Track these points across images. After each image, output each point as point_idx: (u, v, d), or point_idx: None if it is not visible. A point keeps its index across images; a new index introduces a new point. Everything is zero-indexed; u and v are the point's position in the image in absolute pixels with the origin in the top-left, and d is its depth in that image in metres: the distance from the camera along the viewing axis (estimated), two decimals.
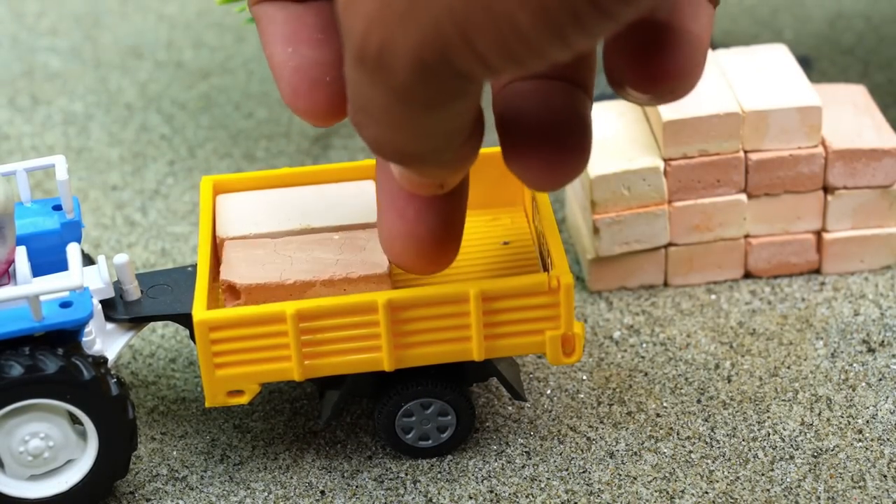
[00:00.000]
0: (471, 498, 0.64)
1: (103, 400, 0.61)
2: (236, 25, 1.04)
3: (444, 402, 0.64)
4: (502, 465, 0.65)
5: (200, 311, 0.61)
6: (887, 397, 0.68)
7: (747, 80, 0.75)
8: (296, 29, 0.50)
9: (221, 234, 0.66)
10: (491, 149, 0.58)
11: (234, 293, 0.63)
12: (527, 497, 0.64)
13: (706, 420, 0.67)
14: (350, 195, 0.68)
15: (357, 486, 0.65)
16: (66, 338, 0.61)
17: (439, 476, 0.65)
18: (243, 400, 0.63)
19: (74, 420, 0.63)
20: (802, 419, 0.67)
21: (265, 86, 0.97)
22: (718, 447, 0.66)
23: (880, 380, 0.69)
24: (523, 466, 0.65)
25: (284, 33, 0.50)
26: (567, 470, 0.65)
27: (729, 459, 0.65)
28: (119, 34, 1.05)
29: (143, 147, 0.91)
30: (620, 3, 0.35)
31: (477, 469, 0.65)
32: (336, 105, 0.50)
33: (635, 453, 0.66)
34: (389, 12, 0.37)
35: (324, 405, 0.66)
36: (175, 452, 0.67)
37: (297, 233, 0.66)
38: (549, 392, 0.69)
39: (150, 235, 0.82)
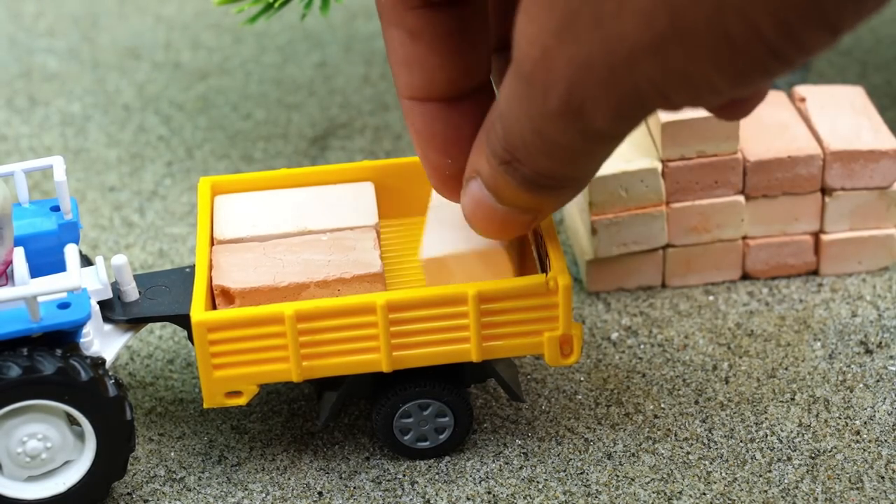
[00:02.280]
0: (468, 499, 0.64)
1: (101, 401, 0.61)
2: (234, 26, 1.04)
3: (442, 404, 0.64)
4: (500, 466, 0.65)
5: (199, 312, 0.61)
6: (885, 398, 0.68)
7: None
8: (452, 138, 0.57)
9: (219, 236, 0.66)
10: None
11: (227, 297, 0.63)
12: (524, 498, 0.64)
13: (704, 421, 0.67)
14: (348, 197, 0.68)
15: (355, 487, 0.65)
16: (64, 339, 0.61)
17: (437, 477, 0.65)
18: (241, 401, 0.63)
19: (72, 421, 0.63)
20: (800, 420, 0.67)
21: (263, 87, 0.97)
22: (716, 448, 0.66)
23: (878, 381, 0.69)
24: (521, 467, 0.65)
25: (441, 140, 0.57)
26: (565, 471, 0.65)
27: (727, 460, 0.65)
28: (117, 35, 1.05)
29: (141, 148, 0.91)
30: (801, 53, 0.41)
31: (475, 470, 0.65)
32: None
33: (633, 454, 0.66)
34: (591, 78, 0.44)
35: (322, 406, 0.66)
36: (173, 453, 0.67)
37: (295, 235, 0.66)
38: (546, 393, 0.69)
39: (148, 236, 0.82)
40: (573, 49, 0.44)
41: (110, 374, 0.62)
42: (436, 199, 0.66)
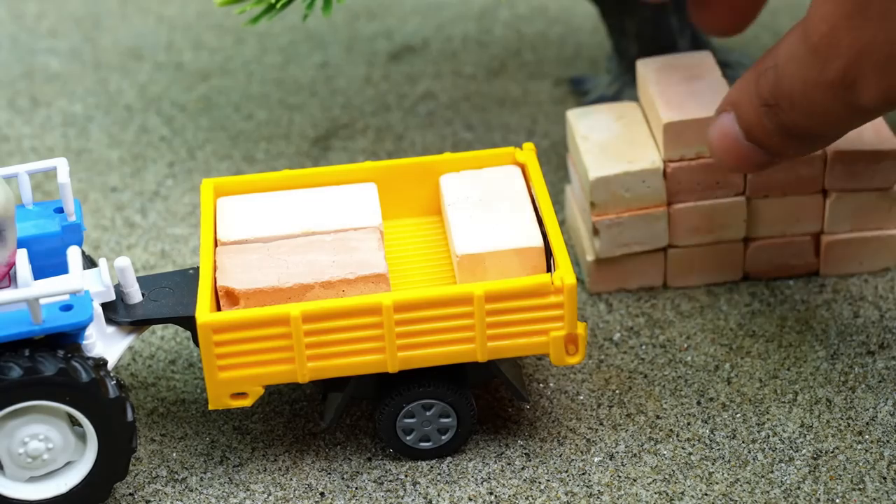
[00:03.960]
0: (470, 500, 0.64)
1: (102, 402, 0.61)
2: (236, 27, 1.04)
3: (446, 404, 0.64)
4: (502, 466, 0.65)
5: (204, 314, 0.61)
6: (887, 399, 0.68)
7: None
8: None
9: (223, 238, 0.66)
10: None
11: (232, 299, 0.63)
12: (526, 499, 0.64)
13: (706, 422, 0.67)
14: (351, 198, 0.68)
15: (357, 488, 0.65)
16: (66, 341, 0.61)
17: (439, 478, 0.65)
18: (247, 402, 0.63)
19: (74, 422, 0.63)
20: (802, 421, 0.67)
21: (265, 87, 0.97)
22: (718, 449, 0.66)
23: (880, 382, 0.69)
24: (523, 468, 0.65)
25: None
26: (567, 472, 0.65)
27: (728, 461, 0.65)
28: (119, 36, 1.05)
29: (143, 148, 0.91)
30: None
31: (476, 471, 0.65)
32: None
33: (635, 455, 0.66)
34: (869, 61, 0.53)
35: (327, 407, 0.66)
36: (175, 454, 0.67)
37: (299, 236, 0.66)
38: (548, 394, 0.69)
39: (150, 237, 0.82)
40: (858, 33, 0.52)
41: (112, 375, 0.62)
42: (451, 195, 0.66)
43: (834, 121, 0.57)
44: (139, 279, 0.66)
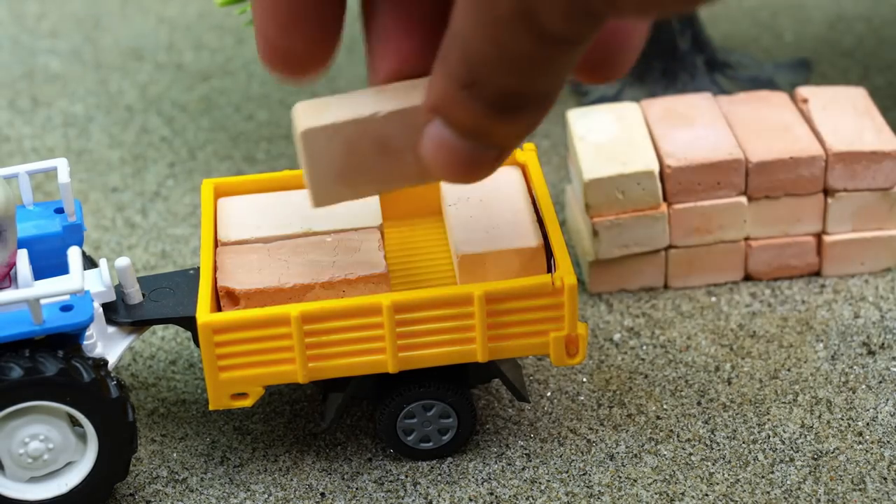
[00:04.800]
0: (471, 500, 0.64)
1: (103, 402, 0.61)
2: (237, 27, 1.04)
3: (446, 405, 0.64)
4: (502, 467, 0.65)
5: (205, 314, 0.61)
6: (887, 400, 0.68)
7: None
8: (294, 16, 0.52)
9: (223, 238, 0.66)
10: None
11: (232, 299, 0.63)
12: (527, 499, 0.64)
13: (706, 422, 0.67)
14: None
15: (357, 489, 0.65)
16: (67, 340, 0.61)
17: (439, 478, 0.65)
18: (247, 403, 0.63)
19: (74, 422, 0.63)
20: (802, 421, 0.67)
21: (266, 88, 0.97)
22: (719, 449, 0.66)
23: (880, 382, 0.69)
24: (523, 468, 0.65)
25: (284, 15, 0.52)
26: (567, 472, 0.65)
27: (729, 462, 0.65)
28: (119, 36, 1.05)
29: (144, 149, 0.91)
30: None
31: (477, 471, 0.65)
32: (302, 75, 0.54)
33: (635, 455, 0.66)
34: None
35: (327, 408, 0.66)
36: (175, 454, 0.67)
37: (299, 236, 0.66)
38: (549, 394, 0.69)
39: (151, 237, 0.82)
40: None
41: (112, 375, 0.62)
42: (451, 196, 0.66)
43: (535, 64, 0.47)
44: (140, 279, 0.66)
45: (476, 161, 0.52)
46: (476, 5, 0.45)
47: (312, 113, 0.56)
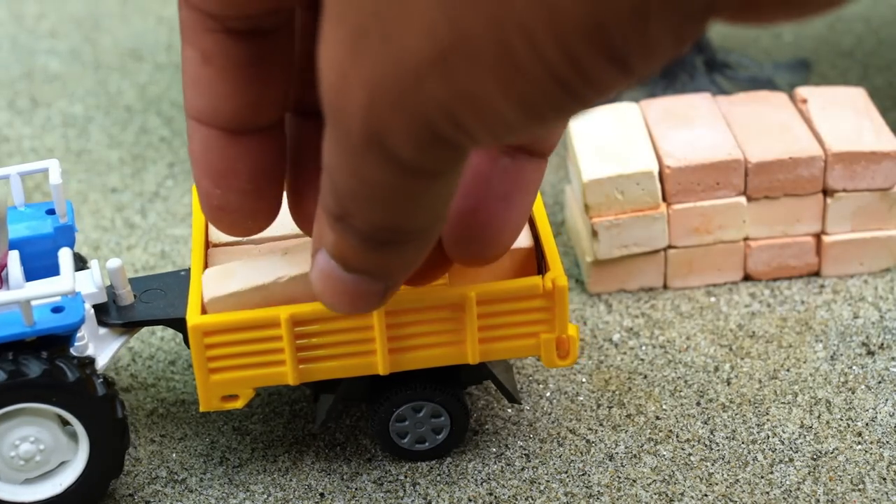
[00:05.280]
0: (470, 500, 0.64)
1: (90, 400, 0.61)
2: None
3: (436, 404, 0.64)
4: (501, 467, 0.65)
5: (195, 316, 0.61)
6: (886, 400, 0.68)
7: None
8: (225, 170, 0.53)
9: (215, 240, 0.66)
10: None
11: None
12: (526, 499, 0.64)
13: (706, 423, 0.67)
14: None
15: (356, 489, 0.65)
16: (57, 342, 0.61)
17: (438, 478, 0.65)
18: (238, 404, 0.63)
19: (64, 422, 0.62)
20: (802, 422, 0.67)
21: None
22: (718, 450, 0.66)
23: (880, 382, 0.69)
24: (522, 469, 0.65)
25: (218, 170, 0.53)
26: (566, 472, 0.65)
27: (728, 462, 0.65)
28: (119, 36, 1.05)
29: (143, 149, 0.91)
30: (591, 89, 0.37)
31: (476, 471, 0.65)
32: (246, 233, 0.56)
33: (635, 456, 0.66)
34: (385, 102, 0.39)
35: (318, 409, 0.66)
36: (174, 455, 0.67)
37: (290, 237, 0.65)
38: (548, 394, 0.69)
39: (150, 238, 0.82)
40: (366, 70, 0.39)
41: (98, 373, 0.62)
42: None
43: (398, 197, 0.43)
44: (131, 281, 0.65)
45: (362, 294, 0.50)
46: (335, 136, 0.42)
47: (219, 280, 0.61)
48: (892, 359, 0.71)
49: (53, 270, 0.64)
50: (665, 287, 0.76)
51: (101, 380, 0.62)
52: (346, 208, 0.45)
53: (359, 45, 0.38)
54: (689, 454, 0.66)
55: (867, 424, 0.67)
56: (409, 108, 0.39)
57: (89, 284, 0.64)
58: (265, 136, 0.52)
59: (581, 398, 0.69)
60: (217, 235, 0.66)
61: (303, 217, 0.56)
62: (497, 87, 0.37)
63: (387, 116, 0.39)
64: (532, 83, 0.37)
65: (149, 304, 0.65)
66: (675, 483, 0.64)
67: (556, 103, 0.37)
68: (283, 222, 0.66)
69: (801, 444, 0.66)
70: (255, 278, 0.61)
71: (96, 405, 0.61)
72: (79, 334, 0.62)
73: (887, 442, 0.66)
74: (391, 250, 0.47)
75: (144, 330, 0.74)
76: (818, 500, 0.63)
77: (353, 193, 0.44)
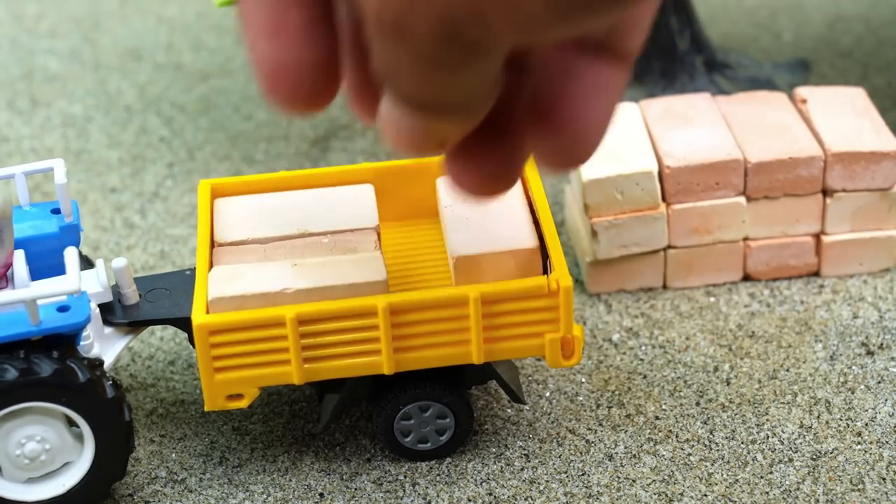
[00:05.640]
0: (469, 500, 0.64)
1: (99, 402, 0.61)
2: (235, 28, 1.04)
3: (443, 405, 0.64)
4: (501, 467, 0.65)
5: (200, 315, 0.61)
6: (886, 400, 0.68)
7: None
8: (281, 22, 0.50)
9: (219, 239, 0.66)
10: None
11: None
12: (526, 499, 0.64)
13: (705, 423, 0.67)
14: (348, 199, 0.68)
15: (356, 489, 0.65)
16: (63, 341, 0.61)
17: (438, 478, 0.65)
18: (242, 404, 0.63)
19: (71, 423, 0.63)
20: (801, 422, 0.67)
21: None
22: (717, 450, 0.66)
23: (879, 382, 0.69)
24: (522, 469, 0.65)
25: (269, 24, 0.50)
26: (566, 472, 0.65)
27: (728, 462, 0.65)
28: (118, 36, 1.05)
29: (143, 149, 0.91)
30: None
31: (476, 471, 0.65)
32: (313, 103, 0.49)
33: (634, 456, 0.66)
34: None
35: (323, 409, 0.66)
36: (174, 455, 0.67)
37: (295, 237, 0.65)
38: (548, 395, 0.69)
39: (150, 237, 0.82)
40: None
41: (108, 375, 0.62)
42: (447, 198, 0.66)
43: (420, 78, 0.42)
44: (136, 280, 0.66)
45: (416, 139, 0.46)
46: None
47: (225, 281, 0.61)
48: (892, 359, 0.71)
49: (59, 270, 0.64)
50: (664, 287, 0.76)
51: (111, 382, 0.62)
52: (381, 74, 0.43)
53: None
54: (689, 454, 0.66)
55: (866, 424, 0.67)
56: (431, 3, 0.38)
57: (95, 284, 0.64)
58: None
59: (581, 398, 0.69)
60: (221, 235, 0.66)
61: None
62: None
63: (406, 6, 0.39)
64: None
65: (154, 303, 0.65)
66: (674, 483, 0.64)
67: (590, 4, 0.37)
68: (286, 221, 0.66)
69: (801, 444, 0.66)
70: (262, 285, 0.61)
71: (104, 407, 0.61)
72: (84, 333, 0.62)
73: (887, 442, 0.66)
74: (435, 117, 0.45)
75: (144, 330, 0.74)
76: (817, 500, 0.63)
77: (383, 65, 0.42)
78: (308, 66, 0.51)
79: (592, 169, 0.73)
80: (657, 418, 0.68)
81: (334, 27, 0.51)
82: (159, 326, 0.74)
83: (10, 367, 0.60)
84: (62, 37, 1.05)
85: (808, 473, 0.64)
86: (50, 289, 0.59)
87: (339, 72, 0.51)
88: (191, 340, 0.62)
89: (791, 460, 0.65)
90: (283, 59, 0.50)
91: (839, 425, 0.67)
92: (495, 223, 0.65)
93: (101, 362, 0.62)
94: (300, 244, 0.65)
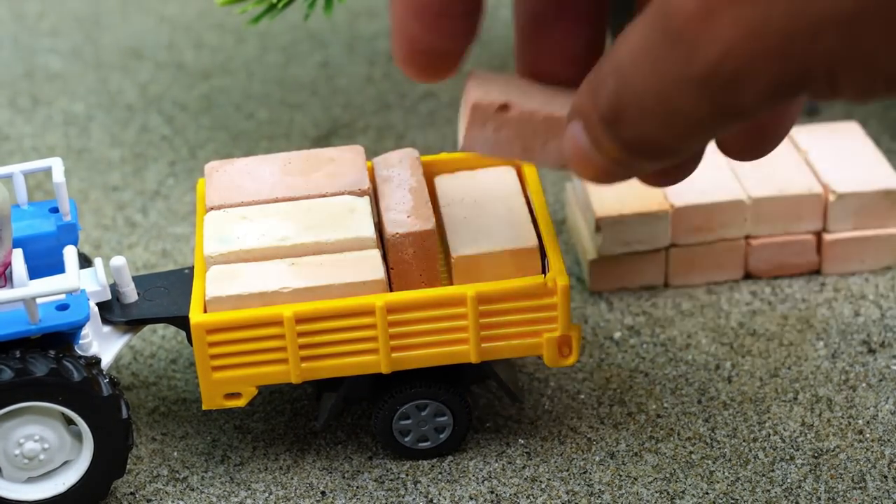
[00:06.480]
0: (471, 498, 0.64)
1: (96, 400, 0.61)
2: (237, 26, 1.04)
3: (440, 403, 0.64)
4: (503, 465, 0.65)
5: (197, 314, 0.61)
6: (888, 398, 0.68)
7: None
8: (440, 12, 0.51)
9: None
10: None
11: None
12: (527, 498, 0.64)
13: (707, 421, 0.67)
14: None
15: (358, 487, 0.65)
16: (62, 340, 0.61)
17: (440, 477, 0.65)
18: (240, 403, 0.63)
19: (69, 421, 0.63)
20: (803, 420, 0.67)
21: (266, 87, 0.97)
22: (719, 448, 0.66)
23: (881, 380, 0.69)
24: (524, 467, 0.65)
25: (428, 11, 0.51)
26: (568, 470, 0.65)
27: (729, 460, 0.65)
28: (120, 35, 1.05)
29: (144, 148, 0.91)
30: None
31: (478, 470, 0.65)
32: (440, 77, 0.52)
33: (636, 454, 0.66)
34: (758, 45, 0.40)
35: (321, 407, 0.66)
36: (176, 453, 0.67)
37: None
38: (549, 393, 0.69)
39: (151, 236, 0.82)
40: (745, 10, 0.39)
41: (104, 373, 0.62)
42: (445, 197, 0.66)
43: (696, 130, 0.44)
44: (135, 279, 0.65)
45: (604, 172, 0.50)
46: (665, 54, 0.42)
47: (223, 280, 0.61)
48: (893, 357, 0.71)
49: (57, 268, 0.64)
50: (666, 285, 0.76)
51: (107, 380, 0.62)
52: (621, 117, 0.45)
53: None
54: (690, 452, 0.66)
55: (868, 422, 0.67)
56: (790, 59, 0.40)
57: (93, 282, 0.64)
58: None
59: (582, 396, 0.69)
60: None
61: (529, 66, 0.54)
62: (890, 48, 0.39)
63: (755, 60, 0.40)
64: None
65: (152, 301, 0.65)
66: (676, 481, 0.64)
67: None
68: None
69: (802, 442, 0.66)
70: (260, 284, 0.61)
71: (102, 405, 0.61)
72: (83, 332, 0.62)
73: (888, 440, 0.66)
74: (644, 158, 0.47)
75: (146, 328, 0.74)
76: (819, 498, 0.63)
77: (645, 111, 0.44)
78: (449, 52, 0.52)
79: None
80: (658, 416, 0.68)
81: (477, 12, 0.52)
82: (161, 325, 0.74)
83: (5, 367, 0.60)
84: (63, 35, 1.05)
85: (810, 471, 0.64)
86: (49, 287, 0.59)
87: (469, 46, 0.53)
88: (189, 339, 0.62)
89: (792, 458, 0.65)
90: (429, 43, 0.52)
91: (841, 423, 0.67)
92: (494, 222, 0.64)
93: (98, 360, 0.62)
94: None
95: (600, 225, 0.73)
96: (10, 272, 0.62)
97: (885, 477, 0.64)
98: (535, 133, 0.54)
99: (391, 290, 0.62)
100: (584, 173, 0.50)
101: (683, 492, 0.63)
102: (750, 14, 0.39)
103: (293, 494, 0.65)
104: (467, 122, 0.54)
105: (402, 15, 0.51)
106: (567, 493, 0.64)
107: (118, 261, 0.64)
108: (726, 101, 0.42)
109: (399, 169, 0.67)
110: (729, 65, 0.40)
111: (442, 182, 0.68)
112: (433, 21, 0.51)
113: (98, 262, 0.65)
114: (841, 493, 0.63)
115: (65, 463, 0.63)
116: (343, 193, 0.65)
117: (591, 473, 0.65)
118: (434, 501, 0.64)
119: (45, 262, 0.65)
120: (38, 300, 0.60)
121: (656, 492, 0.64)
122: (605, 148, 0.47)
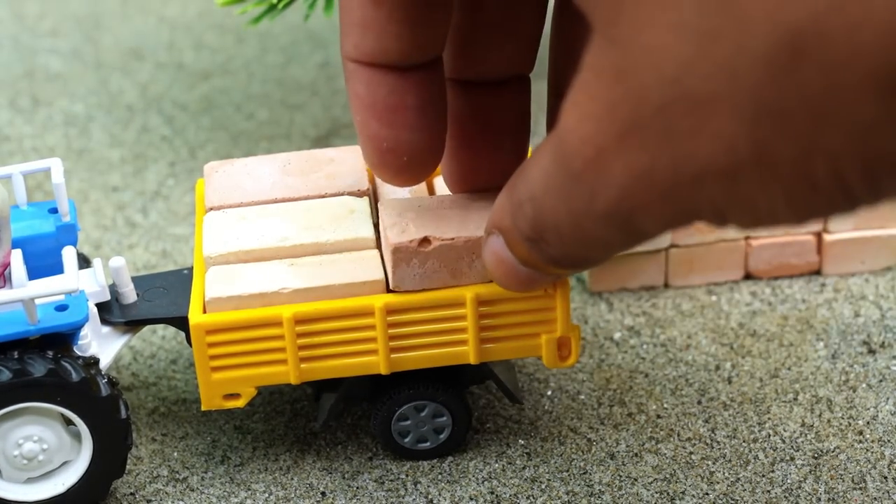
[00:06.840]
0: (471, 499, 0.64)
1: (94, 401, 0.61)
2: (237, 27, 1.04)
3: (438, 404, 0.64)
4: (503, 466, 0.65)
5: (197, 315, 0.61)
6: (888, 398, 0.68)
7: None
8: (395, 106, 0.54)
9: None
10: None
11: None
12: (527, 498, 0.64)
13: (707, 421, 0.67)
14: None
15: (358, 488, 0.65)
16: (61, 341, 0.61)
17: (440, 477, 0.65)
18: (239, 403, 0.63)
19: (68, 422, 0.63)
20: (803, 420, 0.67)
21: (266, 87, 0.97)
22: (719, 448, 0.66)
23: (881, 381, 0.69)
24: (524, 468, 0.65)
25: (382, 107, 0.54)
26: (568, 471, 0.65)
27: (729, 461, 0.65)
28: (120, 35, 1.05)
29: (144, 148, 0.91)
30: (875, 199, 0.40)
31: (478, 470, 0.65)
32: (417, 178, 0.57)
33: (636, 454, 0.66)
34: (649, 189, 0.42)
35: (320, 408, 0.66)
36: (176, 453, 0.67)
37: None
38: (549, 393, 0.69)
39: (151, 237, 0.82)
40: (634, 157, 0.42)
41: (103, 373, 0.62)
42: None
43: (611, 249, 0.48)
44: (134, 279, 0.65)
45: (531, 281, 0.53)
46: (570, 192, 0.45)
47: (222, 280, 0.61)
48: (894, 357, 0.71)
49: (56, 269, 0.64)
50: (666, 286, 0.76)
51: (106, 380, 0.62)
52: (543, 237, 0.49)
53: (631, 134, 0.41)
54: (691, 453, 0.66)
55: (868, 423, 0.67)
56: (678, 201, 0.42)
57: (92, 283, 0.64)
58: (429, 71, 0.54)
59: (582, 397, 0.69)
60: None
61: (457, 174, 0.59)
62: (784, 200, 0.40)
63: (647, 202, 0.43)
64: (823, 199, 0.40)
65: (151, 302, 0.65)
66: (676, 482, 0.64)
67: (835, 210, 0.41)
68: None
69: (802, 442, 0.66)
70: (259, 285, 0.61)
71: (100, 405, 0.61)
72: (82, 333, 0.62)
73: (888, 441, 0.66)
74: (569, 268, 0.51)
75: (146, 328, 0.74)
76: (819, 499, 0.63)
77: (563, 236, 0.47)
78: (419, 148, 0.55)
79: None
80: (659, 417, 0.68)
81: (444, 108, 0.55)
82: (160, 325, 0.74)
83: (3, 368, 0.60)
84: (63, 36, 1.05)
85: (810, 472, 0.64)
86: (48, 288, 0.59)
87: (442, 147, 0.56)
88: (188, 340, 0.62)
89: (792, 459, 0.65)
90: (397, 141, 0.55)
91: (841, 424, 0.67)
92: None
93: (96, 361, 0.62)
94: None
95: None
96: (9, 273, 0.62)
97: (886, 477, 0.64)
98: (460, 257, 0.59)
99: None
100: (509, 284, 0.54)
101: (683, 492, 0.63)
102: (637, 161, 0.42)
103: (293, 495, 0.65)
104: (392, 265, 0.59)
105: (362, 117, 0.54)
106: (567, 493, 0.64)
107: (117, 261, 0.64)
108: (632, 229, 0.45)
109: None
110: (625, 204, 0.43)
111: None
112: (388, 116, 0.54)
113: (97, 262, 0.65)
114: (841, 494, 0.63)
115: (64, 463, 0.63)
116: (343, 194, 0.65)
117: (591, 474, 0.65)
118: (434, 502, 0.64)
119: (44, 263, 0.65)
120: (37, 301, 0.60)
121: (656, 492, 0.64)
122: (531, 263, 0.51)
